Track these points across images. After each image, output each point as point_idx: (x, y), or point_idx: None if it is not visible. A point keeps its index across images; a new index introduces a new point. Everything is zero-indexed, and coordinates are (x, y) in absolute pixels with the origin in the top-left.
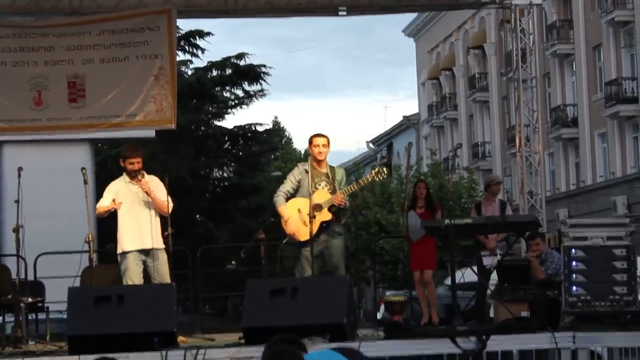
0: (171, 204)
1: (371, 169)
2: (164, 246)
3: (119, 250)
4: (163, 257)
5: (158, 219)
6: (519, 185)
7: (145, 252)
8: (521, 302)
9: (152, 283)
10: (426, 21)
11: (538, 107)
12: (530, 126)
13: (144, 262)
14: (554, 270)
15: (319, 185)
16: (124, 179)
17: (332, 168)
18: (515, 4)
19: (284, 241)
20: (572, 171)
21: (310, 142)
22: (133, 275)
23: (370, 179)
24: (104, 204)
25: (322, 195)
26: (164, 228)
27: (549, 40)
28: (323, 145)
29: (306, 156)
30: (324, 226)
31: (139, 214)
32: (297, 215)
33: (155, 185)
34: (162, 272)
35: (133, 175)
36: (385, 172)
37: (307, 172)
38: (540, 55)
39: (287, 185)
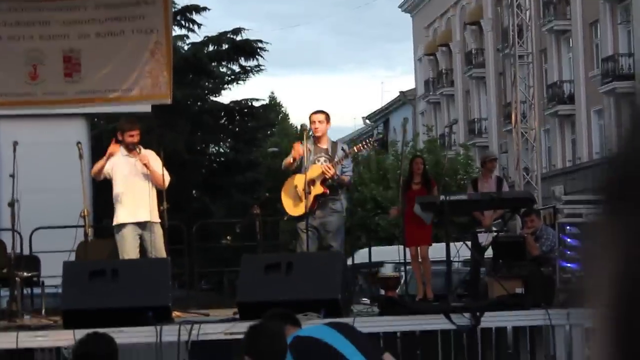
0: (168, 178)
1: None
2: (160, 220)
3: (115, 222)
4: (159, 231)
5: (155, 193)
6: (515, 162)
7: (142, 225)
8: (516, 279)
9: (147, 257)
10: None
11: (534, 84)
12: (526, 102)
13: (141, 236)
14: (549, 247)
15: (318, 161)
16: (120, 152)
17: (333, 143)
18: None
19: (285, 218)
20: (568, 148)
21: (309, 119)
22: (129, 248)
23: (357, 150)
24: (104, 169)
25: (316, 169)
26: (160, 202)
27: (546, 16)
28: (319, 121)
29: (302, 133)
30: (320, 201)
31: (136, 186)
32: (294, 191)
33: (152, 159)
34: (159, 246)
35: (131, 148)
36: (374, 144)
37: (308, 149)
38: (536, 31)
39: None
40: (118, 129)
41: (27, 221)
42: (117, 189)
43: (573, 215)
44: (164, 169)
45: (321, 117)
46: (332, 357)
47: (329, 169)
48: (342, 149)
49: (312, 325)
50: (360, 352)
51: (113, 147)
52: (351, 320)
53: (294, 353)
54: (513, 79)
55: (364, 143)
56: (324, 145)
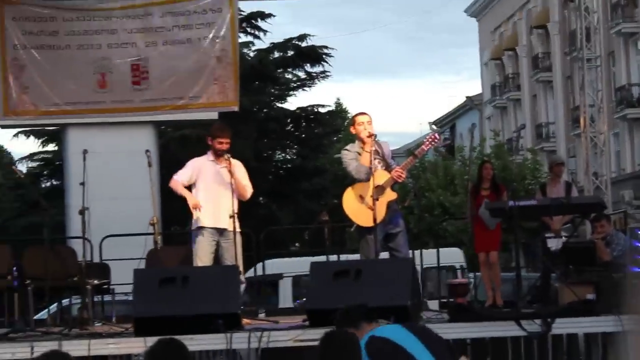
0: (251, 190)
1: (434, 150)
2: (240, 230)
3: (194, 226)
4: (238, 240)
5: (236, 202)
6: (584, 167)
7: (220, 232)
8: (586, 285)
9: (221, 264)
10: (489, 1)
11: (602, 87)
12: (594, 106)
13: (217, 243)
14: (620, 252)
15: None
16: (207, 157)
17: (377, 143)
18: None
19: (352, 229)
20: (637, 152)
21: (354, 122)
22: (202, 254)
23: (426, 150)
24: (182, 178)
25: (381, 175)
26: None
27: (614, 18)
28: (368, 122)
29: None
30: (391, 208)
31: (218, 193)
32: (359, 201)
33: (238, 169)
34: (234, 254)
35: (219, 155)
36: (439, 138)
37: (359, 154)
38: (604, 34)
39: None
40: (209, 134)
41: (97, 229)
42: (200, 193)
43: None
44: (249, 180)
45: (368, 117)
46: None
47: (402, 175)
48: (410, 151)
49: (389, 326)
50: (433, 354)
51: (192, 201)
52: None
53: (369, 353)
54: (581, 83)
55: (429, 140)
56: (367, 147)
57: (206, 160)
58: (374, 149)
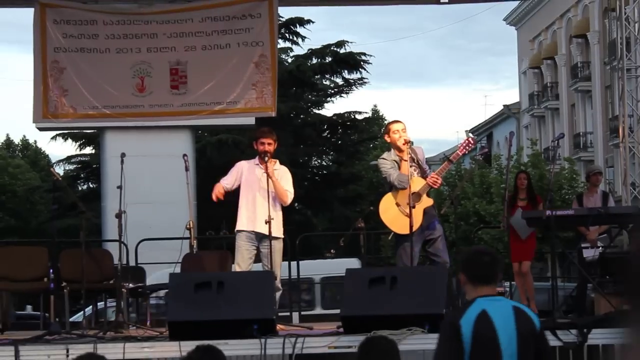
0: (292, 195)
1: (471, 158)
2: (281, 236)
3: (236, 228)
4: (278, 245)
5: (279, 207)
6: (622, 177)
7: (260, 237)
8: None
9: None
10: (528, 9)
11: None
12: (634, 116)
13: (257, 248)
14: None
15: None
16: (254, 161)
17: (412, 149)
18: None
19: (389, 237)
20: None
21: (389, 130)
22: (240, 258)
23: (460, 154)
24: (225, 182)
25: (417, 182)
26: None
27: None
28: (403, 130)
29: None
30: (428, 214)
31: (258, 197)
32: (396, 209)
33: (281, 174)
34: (276, 260)
35: (262, 157)
36: (474, 142)
37: (396, 162)
38: None
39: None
40: (253, 137)
41: (133, 232)
42: (242, 196)
43: None
44: (292, 186)
45: (402, 125)
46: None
47: (438, 181)
48: (446, 157)
49: (501, 301)
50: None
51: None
52: None
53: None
54: (620, 93)
55: (464, 145)
56: (404, 154)
57: (251, 163)
58: (410, 156)
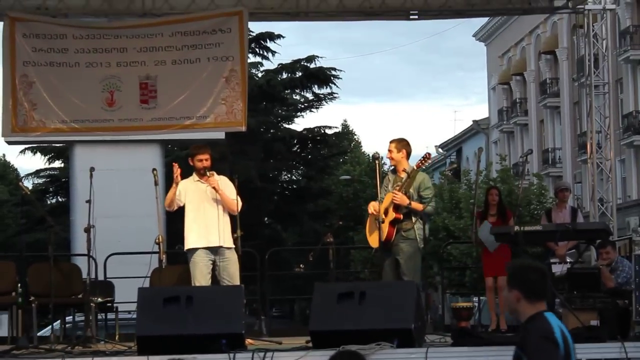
0: (240, 204)
1: (440, 174)
2: (233, 246)
3: (186, 247)
4: (232, 257)
5: (227, 218)
6: (590, 193)
7: (213, 251)
8: (591, 311)
9: (219, 283)
10: (497, 26)
11: (610, 114)
12: (601, 132)
13: (213, 262)
14: (625, 279)
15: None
16: (192, 178)
17: (413, 173)
18: (588, 9)
19: (373, 252)
20: None
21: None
22: (199, 274)
23: (416, 168)
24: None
25: (388, 197)
26: (233, 229)
27: (622, 45)
28: (389, 150)
29: (374, 161)
30: (396, 228)
31: (207, 212)
32: (373, 222)
33: (224, 184)
34: (231, 271)
35: (202, 173)
36: (429, 157)
37: (389, 180)
38: (612, 61)
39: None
40: (189, 154)
41: (102, 247)
42: (189, 214)
43: None
44: (237, 194)
45: (391, 146)
46: None
47: (395, 194)
48: (404, 170)
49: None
50: None
51: (176, 171)
52: (424, 351)
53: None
54: (588, 109)
55: (421, 161)
56: (402, 174)
57: (191, 181)
58: (402, 176)
